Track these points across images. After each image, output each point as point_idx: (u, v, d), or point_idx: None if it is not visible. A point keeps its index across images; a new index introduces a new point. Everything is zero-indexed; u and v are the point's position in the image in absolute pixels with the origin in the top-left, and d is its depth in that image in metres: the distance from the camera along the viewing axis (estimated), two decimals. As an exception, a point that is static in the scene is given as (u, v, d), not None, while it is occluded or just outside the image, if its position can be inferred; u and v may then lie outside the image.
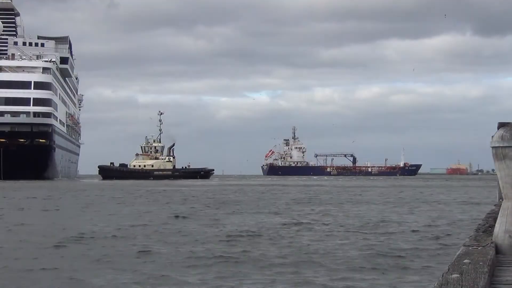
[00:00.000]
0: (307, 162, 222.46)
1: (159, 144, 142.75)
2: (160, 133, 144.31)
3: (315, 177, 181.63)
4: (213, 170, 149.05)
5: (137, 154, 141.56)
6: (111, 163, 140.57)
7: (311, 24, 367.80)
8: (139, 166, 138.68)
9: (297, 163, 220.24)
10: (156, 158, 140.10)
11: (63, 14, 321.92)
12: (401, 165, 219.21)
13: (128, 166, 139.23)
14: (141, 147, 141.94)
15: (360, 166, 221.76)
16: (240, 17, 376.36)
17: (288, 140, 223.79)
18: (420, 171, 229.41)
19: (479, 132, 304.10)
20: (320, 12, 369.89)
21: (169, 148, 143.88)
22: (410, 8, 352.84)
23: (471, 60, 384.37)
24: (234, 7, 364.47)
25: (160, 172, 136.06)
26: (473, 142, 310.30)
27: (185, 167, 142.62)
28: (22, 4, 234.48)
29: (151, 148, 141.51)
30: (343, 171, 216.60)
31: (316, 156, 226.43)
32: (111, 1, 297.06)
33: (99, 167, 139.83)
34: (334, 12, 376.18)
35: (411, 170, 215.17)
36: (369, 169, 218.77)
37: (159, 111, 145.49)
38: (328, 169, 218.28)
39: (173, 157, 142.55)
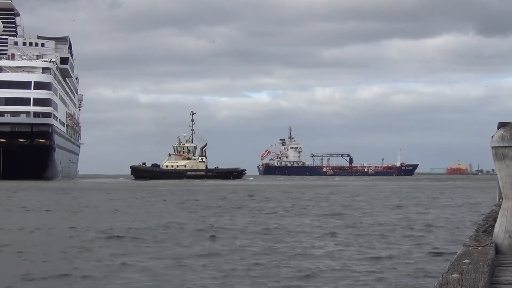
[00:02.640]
0: (303, 162, 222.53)
1: (192, 145, 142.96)
2: (192, 134, 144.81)
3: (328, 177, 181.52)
4: (245, 170, 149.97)
5: (169, 154, 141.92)
6: (143, 163, 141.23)
7: (312, 24, 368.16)
8: (172, 166, 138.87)
9: (293, 163, 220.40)
10: (189, 158, 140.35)
11: (65, 13, 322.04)
12: (398, 165, 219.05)
13: (161, 167, 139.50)
14: (174, 147, 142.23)
15: (357, 166, 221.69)
16: (241, 17, 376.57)
17: (284, 140, 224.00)
18: (420, 171, 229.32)
19: (480, 132, 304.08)
20: (321, 11, 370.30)
21: (201, 148, 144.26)
22: (412, 7, 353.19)
23: (472, 60, 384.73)
24: (235, 7, 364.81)
25: (193, 173, 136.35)
26: (473, 142, 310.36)
27: (217, 167, 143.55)
28: (23, 4, 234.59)
29: (183, 149, 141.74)
30: (339, 171, 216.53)
31: (312, 156, 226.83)
32: (113, 1, 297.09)
33: (131, 167, 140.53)
34: (335, 11, 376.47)
35: (407, 170, 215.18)
36: (366, 169, 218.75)
37: (191, 111, 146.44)
38: (324, 169, 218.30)
39: (206, 157, 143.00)
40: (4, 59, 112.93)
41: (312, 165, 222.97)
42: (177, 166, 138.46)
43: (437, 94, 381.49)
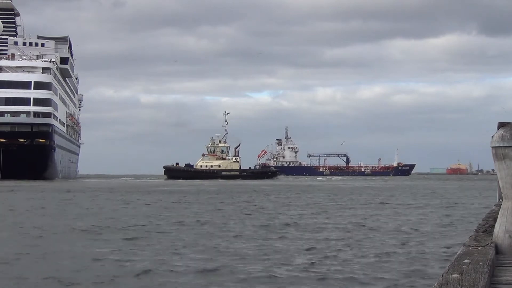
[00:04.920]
0: (300, 162, 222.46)
1: (225, 145, 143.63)
2: (225, 133, 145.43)
3: (322, 177, 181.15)
4: (278, 171, 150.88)
5: (203, 154, 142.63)
6: (176, 163, 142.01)
7: (314, 24, 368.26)
8: (206, 166, 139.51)
9: (289, 163, 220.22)
10: (223, 159, 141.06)
11: (67, 13, 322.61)
12: (395, 165, 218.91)
13: (194, 167, 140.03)
14: (207, 147, 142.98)
15: (353, 166, 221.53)
16: (244, 17, 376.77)
17: (280, 140, 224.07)
18: (420, 171, 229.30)
19: (480, 132, 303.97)
20: (324, 11, 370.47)
21: (235, 149, 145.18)
22: (415, 7, 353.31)
23: (475, 60, 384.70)
24: (237, 6, 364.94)
25: (228, 173, 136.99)
26: (474, 142, 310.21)
27: (250, 167, 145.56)
28: (25, 4, 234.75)
29: (217, 149, 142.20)
30: (336, 171, 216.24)
31: (309, 156, 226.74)
32: (116, 1, 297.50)
33: (164, 167, 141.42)
34: (338, 11, 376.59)
35: (404, 170, 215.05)
36: (362, 169, 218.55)
37: (225, 111, 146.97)
38: (321, 169, 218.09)
39: (239, 158, 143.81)
40: (4, 59, 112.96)
41: (309, 165, 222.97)
42: (211, 166, 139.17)
43: (439, 94, 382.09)
